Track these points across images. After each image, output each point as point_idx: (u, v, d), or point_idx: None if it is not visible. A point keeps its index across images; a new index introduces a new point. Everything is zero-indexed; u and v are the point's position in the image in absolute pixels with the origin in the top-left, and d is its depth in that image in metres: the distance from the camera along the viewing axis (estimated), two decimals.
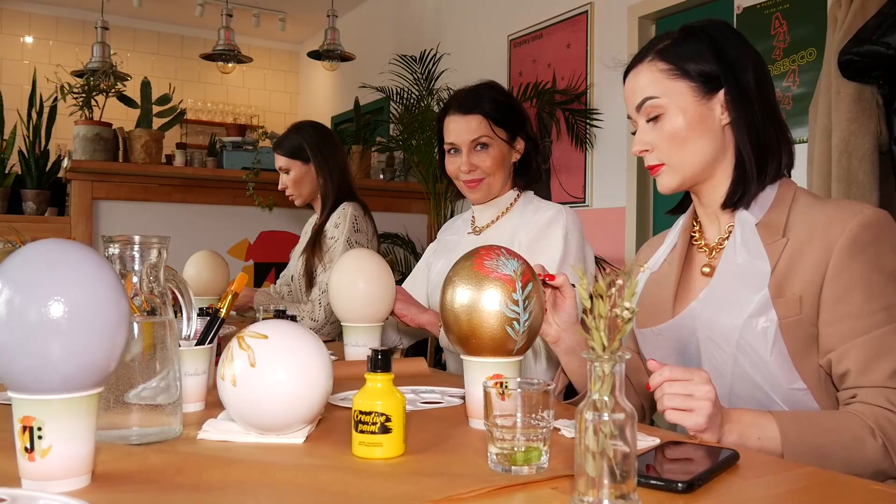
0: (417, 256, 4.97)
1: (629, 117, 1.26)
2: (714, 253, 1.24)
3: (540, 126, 4.53)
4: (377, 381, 0.91)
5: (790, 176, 1.24)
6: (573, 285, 1.30)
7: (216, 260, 2.38)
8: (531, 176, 1.85)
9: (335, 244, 2.44)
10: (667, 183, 1.22)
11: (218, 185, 4.44)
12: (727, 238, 1.23)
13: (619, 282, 0.74)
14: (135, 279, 1.00)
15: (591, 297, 0.74)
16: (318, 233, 2.51)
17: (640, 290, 1.34)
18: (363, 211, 2.53)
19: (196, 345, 1.15)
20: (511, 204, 1.84)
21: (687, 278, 1.28)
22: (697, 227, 1.30)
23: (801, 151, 2.97)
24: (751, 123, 1.18)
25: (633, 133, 1.25)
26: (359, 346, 1.55)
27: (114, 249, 0.97)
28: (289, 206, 4.51)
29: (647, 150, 1.21)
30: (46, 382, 0.75)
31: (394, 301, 1.60)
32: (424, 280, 2.00)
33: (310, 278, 2.49)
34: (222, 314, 1.20)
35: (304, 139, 2.55)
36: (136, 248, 0.98)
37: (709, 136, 1.18)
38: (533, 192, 1.87)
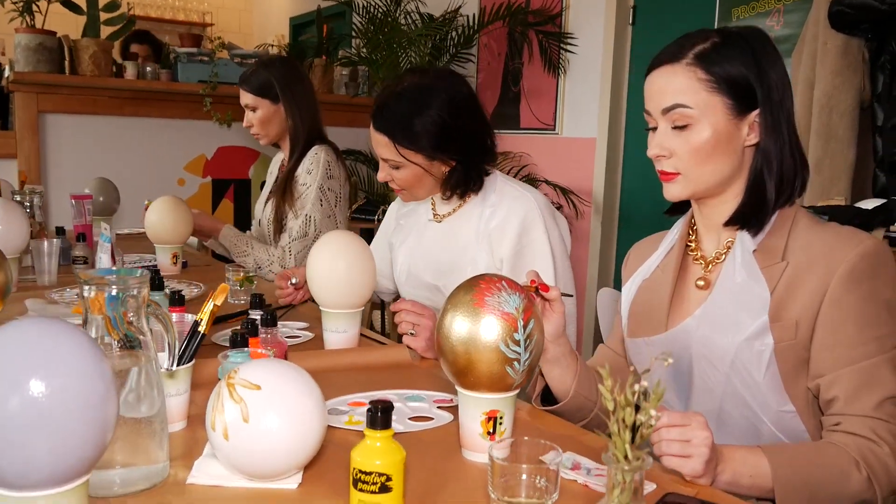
0: None
1: (647, 112, 1.19)
2: (710, 266, 1.22)
3: (511, 47, 4.38)
4: (377, 440, 0.88)
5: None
6: (569, 294, 1.27)
7: (178, 206, 2.28)
8: (465, 187, 1.68)
9: (307, 191, 2.35)
10: (677, 193, 1.18)
11: (173, 99, 4.23)
12: (725, 253, 1.20)
13: (645, 384, 0.70)
14: (110, 312, 0.93)
15: (613, 401, 0.70)
16: (289, 177, 2.41)
17: (632, 297, 1.31)
18: (336, 155, 2.43)
19: (177, 364, 1.09)
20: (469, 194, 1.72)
21: (680, 289, 1.25)
22: (693, 236, 1.27)
23: None
24: (776, 151, 1.14)
25: (648, 129, 1.19)
26: (339, 331, 1.51)
27: (89, 292, 0.90)
28: None
29: (665, 156, 1.16)
30: (31, 478, 0.70)
31: (374, 282, 1.54)
32: (387, 259, 1.94)
33: (279, 224, 2.41)
34: (202, 328, 1.14)
35: (274, 76, 2.40)
36: (114, 289, 0.90)
37: (731, 155, 1.14)
38: (495, 171, 1.73)
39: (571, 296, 1.53)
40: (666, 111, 1.15)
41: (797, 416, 1.12)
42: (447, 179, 1.67)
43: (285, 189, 2.39)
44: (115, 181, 4.16)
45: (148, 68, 4.06)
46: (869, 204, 2.51)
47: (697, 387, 1.18)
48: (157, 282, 1.59)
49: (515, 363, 1.00)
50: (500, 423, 1.04)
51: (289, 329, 1.69)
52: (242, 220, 4.65)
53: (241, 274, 1.95)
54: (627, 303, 1.32)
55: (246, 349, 1.17)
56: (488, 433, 1.04)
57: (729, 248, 1.20)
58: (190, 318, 1.26)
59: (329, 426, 1.13)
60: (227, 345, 1.33)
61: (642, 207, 3.77)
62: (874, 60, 2.62)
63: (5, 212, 1.93)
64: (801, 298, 1.10)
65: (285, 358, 1.34)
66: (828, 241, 1.11)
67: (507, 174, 4.05)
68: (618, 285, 1.46)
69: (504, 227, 1.65)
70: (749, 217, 1.16)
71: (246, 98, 2.42)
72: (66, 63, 3.87)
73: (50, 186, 4.02)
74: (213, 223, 2.46)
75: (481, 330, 0.99)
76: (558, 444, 0.90)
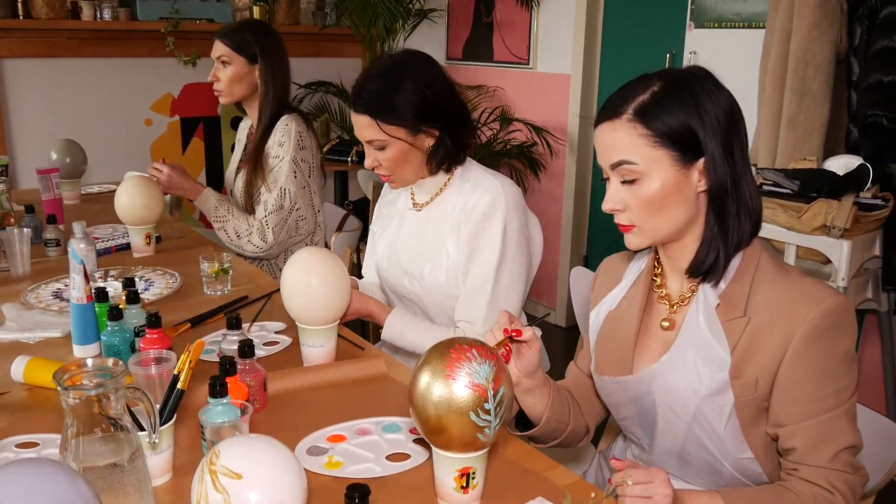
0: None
1: (600, 165, 1.19)
2: (675, 307, 1.24)
3: None
4: None
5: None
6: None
7: (149, 186, 2.25)
8: (452, 158, 1.73)
9: (280, 163, 2.32)
10: (636, 243, 1.19)
11: (133, 38, 4.09)
12: (689, 297, 1.22)
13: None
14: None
15: None
16: (258, 149, 2.37)
17: (599, 329, 1.34)
18: (306, 125, 2.39)
19: (159, 426, 1.12)
20: (447, 182, 1.77)
21: (646, 324, 1.28)
22: (659, 269, 1.29)
23: (756, 39, 2.89)
24: (731, 190, 1.14)
25: (603, 180, 1.20)
26: (315, 346, 1.53)
27: (73, 400, 0.91)
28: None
29: (619, 209, 1.17)
30: None
31: (348, 296, 1.56)
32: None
33: (250, 198, 2.40)
34: (180, 384, 1.16)
35: (256, 38, 2.35)
36: (91, 390, 0.92)
37: (684, 204, 1.14)
38: (472, 161, 1.79)
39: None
40: (613, 167, 1.15)
41: (755, 461, 1.17)
42: (433, 153, 1.71)
43: (256, 161, 2.36)
44: (81, 125, 4.08)
45: (105, 8, 3.89)
46: (839, 164, 2.53)
47: (661, 427, 1.23)
48: (132, 295, 1.60)
49: (486, 429, 1.03)
50: (473, 478, 1.09)
51: (266, 333, 1.71)
52: (213, 158, 4.59)
53: (217, 265, 1.95)
54: (595, 332, 1.35)
55: (225, 399, 1.19)
56: (462, 487, 1.08)
57: (693, 291, 1.22)
58: (168, 356, 1.29)
59: (308, 471, 1.18)
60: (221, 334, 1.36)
61: None
62: (852, 12, 2.58)
63: None
64: (761, 356, 1.13)
65: (264, 388, 1.37)
66: (791, 296, 1.12)
67: (482, 111, 4.02)
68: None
69: (470, 211, 1.71)
70: (706, 268, 1.17)
71: (221, 50, 2.36)
72: (19, 6, 3.69)
73: (13, 133, 3.92)
74: (192, 185, 2.44)
75: (452, 400, 1.02)
76: (527, 480, 0.94)
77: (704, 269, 1.17)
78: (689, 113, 1.11)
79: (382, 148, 1.67)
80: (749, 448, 1.16)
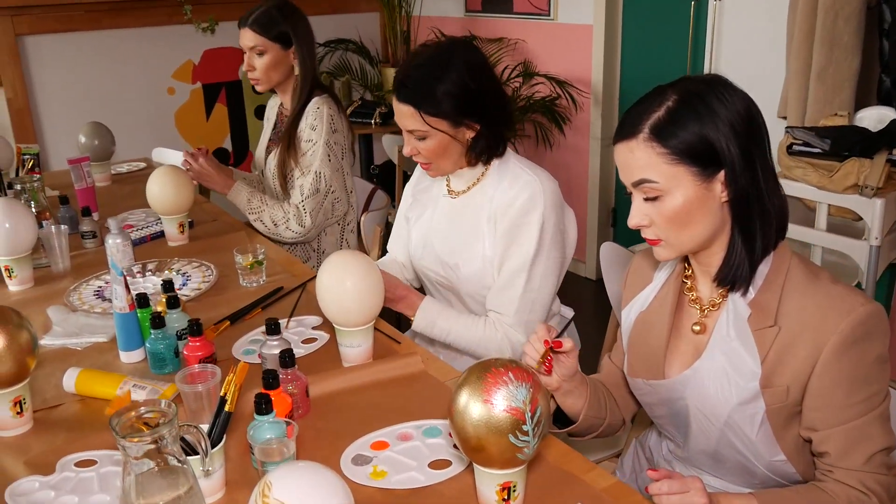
0: (372, 62, 4.74)
1: (622, 181, 1.19)
2: (705, 311, 1.26)
3: None
4: None
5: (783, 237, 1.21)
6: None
7: (178, 175, 2.27)
8: (491, 151, 1.73)
9: (314, 147, 2.33)
10: (665, 255, 1.21)
11: (151, 6, 4.06)
12: (720, 302, 1.23)
13: None
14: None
15: None
16: (291, 130, 2.37)
17: (631, 329, 1.36)
18: (337, 106, 2.39)
19: (210, 450, 1.16)
20: (484, 172, 1.77)
21: (677, 327, 1.29)
22: (689, 272, 1.30)
23: None
24: (755, 197, 1.14)
25: (627, 195, 1.20)
26: (353, 346, 1.57)
27: (130, 447, 0.96)
28: (231, 18, 4.19)
29: (645, 225, 1.18)
30: None
31: (382, 296, 1.59)
32: (406, 234, 1.97)
33: (284, 179, 2.41)
34: (228, 407, 1.20)
35: (288, 23, 2.32)
36: (148, 438, 0.96)
37: (709, 216, 1.15)
38: (511, 152, 1.78)
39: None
40: (635, 185, 1.15)
41: (788, 463, 1.20)
42: (472, 146, 1.72)
43: (290, 143, 2.37)
44: (104, 97, 4.11)
45: None
46: (871, 117, 2.48)
47: (694, 430, 1.26)
48: (172, 300, 1.64)
49: (525, 449, 1.07)
50: (514, 490, 1.13)
51: (303, 329, 1.75)
52: (237, 123, 4.59)
53: (251, 258, 1.99)
54: (627, 332, 1.37)
55: (270, 415, 1.24)
56: (503, 500, 1.13)
57: (723, 297, 1.22)
58: (213, 370, 1.33)
59: (354, 483, 1.23)
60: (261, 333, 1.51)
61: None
62: None
63: (10, 213, 1.94)
64: (792, 365, 1.14)
65: (306, 395, 1.42)
66: (821, 305, 1.13)
67: (504, 67, 3.97)
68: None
69: (508, 205, 1.71)
70: (734, 276, 1.17)
71: (253, 40, 2.33)
72: None
73: (40, 113, 3.96)
74: (224, 179, 2.46)
75: (490, 423, 1.05)
76: (565, 483, 0.97)
77: (732, 279, 1.18)
78: (705, 126, 1.10)
79: (423, 138, 1.68)
80: (782, 451, 1.19)
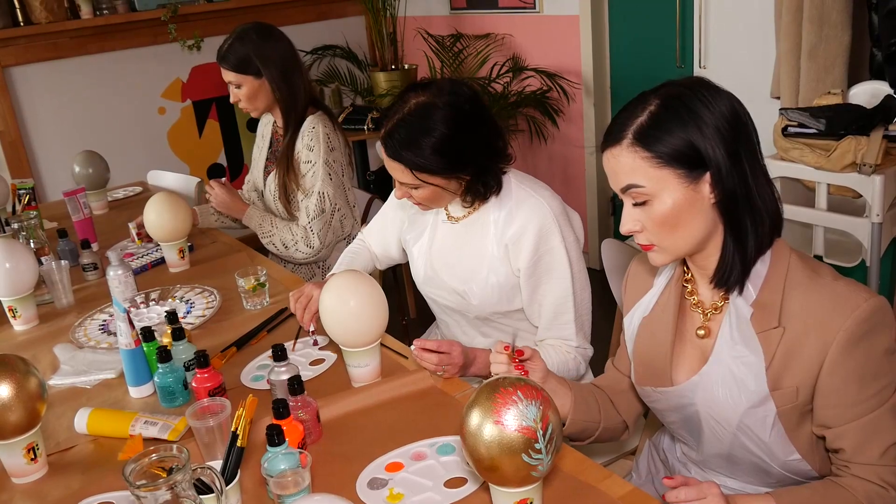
0: (361, 67, 4.73)
1: (613, 189, 1.19)
2: (708, 315, 1.25)
3: None
4: None
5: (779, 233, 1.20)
6: None
7: (175, 201, 2.27)
8: (486, 190, 1.67)
9: (314, 168, 2.32)
10: (660, 260, 1.20)
11: (135, 28, 4.05)
12: (722, 304, 1.23)
13: None
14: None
15: None
16: (288, 152, 2.36)
17: (635, 336, 1.36)
18: (333, 124, 2.38)
19: (225, 487, 1.17)
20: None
21: (681, 333, 1.29)
22: (689, 276, 1.29)
23: None
24: (743, 197, 1.13)
25: (619, 201, 1.20)
26: (361, 366, 1.57)
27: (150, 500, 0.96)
28: (219, 33, 4.17)
29: (637, 230, 1.17)
30: None
31: (386, 314, 1.58)
32: (396, 232, 1.97)
33: (287, 201, 2.40)
34: (240, 442, 1.20)
35: (251, 50, 2.30)
36: (164, 490, 0.96)
37: (699, 218, 1.14)
38: (508, 171, 1.72)
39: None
40: (623, 191, 1.15)
41: (804, 461, 1.19)
42: (467, 190, 1.69)
43: (288, 167, 2.36)
44: (96, 122, 4.10)
45: (104, 3, 3.85)
46: (865, 92, 2.47)
47: (707, 434, 1.26)
48: (177, 332, 1.64)
49: (539, 466, 1.07)
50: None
51: (310, 350, 1.75)
52: (230, 137, 4.59)
53: (253, 280, 1.98)
54: (631, 339, 1.37)
55: (283, 446, 1.23)
56: None
57: (725, 300, 1.22)
58: (223, 403, 1.33)
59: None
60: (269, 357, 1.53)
61: (633, 85, 3.68)
62: None
63: (10, 253, 1.94)
64: (799, 366, 1.13)
65: (318, 420, 1.42)
66: (824, 304, 1.12)
67: (493, 64, 3.95)
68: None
69: (521, 238, 1.67)
70: (729, 278, 1.17)
71: (228, 76, 2.34)
72: (18, 13, 3.67)
73: (33, 141, 3.96)
74: (239, 205, 2.48)
75: (502, 443, 1.05)
76: (581, 493, 0.97)
77: (727, 280, 1.17)
78: (688, 129, 1.10)
79: (416, 188, 1.65)
80: (796, 450, 1.18)
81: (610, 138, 1.15)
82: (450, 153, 1.58)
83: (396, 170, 1.63)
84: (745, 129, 1.13)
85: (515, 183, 1.71)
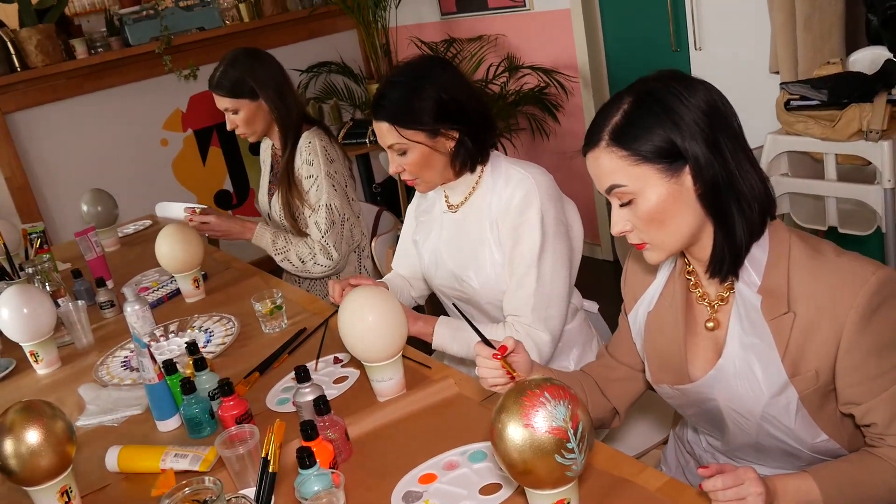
0: (357, 81, 4.74)
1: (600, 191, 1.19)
2: (715, 306, 1.24)
3: None
4: None
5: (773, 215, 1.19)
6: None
7: (186, 232, 2.28)
8: (474, 159, 1.74)
9: (316, 182, 2.33)
10: (654, 258, 1.20)
11: (131, 63, 4.08)
12: (728, 295, 1.22)
13: None
14: None
15: None
16: (289, 171, 2.37)
17: (643, 332, 1.34)
18: (328, 137, 2.39)
19: None
20: (478, 180, 1.77)
21: (691, 326, 1.28)
22: (691, 268, 1.28)
23: None
24: (726, 186, 1.11)
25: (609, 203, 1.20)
26: (384, 380, 1.57)
27: None
28: (213, 61, 4.20)
29: (628, 230, 1.17)
30: None
31: (405, 327, 1.58)
32: (415, 254, 1.97)
33: (294, 219, 2.41)
34: (272, 468, 1.20)
35: (245, 72, 2.31)
36: None
37: (686, 210, 1.13)
38: (500, 154, 1.79)
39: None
40: (608, 192, 1.15)
41: (831, 441, 1.18)
42: (455, 154, 1.72)
43: (289, 185, 2.36)
44: (100, 159, 4.12)
45: (97, 41, 3.88)
46: (865, 58, 2.45)
47: (731, 427, 1.25)
48: (199, 363, 1.64)
49: (573, 466, 1.06)
50: None
51: (333, 369, 1.75)
52: (234, 163, 4.61)
53: (269, 304, 1.98)
54: (639, 335, 1.36)
55: (315, 467, 1.23)
56: None
57: (730, 290, 1.21)
58: (252, 430, 1.33)
59: None
60: (293, 379, 1.52)
61: (631, 72, 3.65)
62: None
63: (27, 299, 1.95)
64: (816, 350, 1.12)
65: (347, 438, 1.41)
66: (832, 283, 1.10)
67: (488, 65, 3.96)
68: None
69: (506, 208, 1.72)
70: (722, 266, 1.16)
71: (223, 103, 2.35)
72: (15, 59, 3.70)
73: (40, 184, 3.99)
74: (241, 227, 2.47)
75: (534, 446, 1.04)
76: (618, 488, 0.97)
77: (722, 270, 1.16)
78: (663, 124, 1.09)
79: (404, 152, 1.70)
80: (823, 432, 1.17)
81: (588, 141, 1.16)
82: (436, 108, 1.66)
83: (384, 132, 1.70)
84: (722, 117, 1.12)
85: (507, 164, 1.76)
